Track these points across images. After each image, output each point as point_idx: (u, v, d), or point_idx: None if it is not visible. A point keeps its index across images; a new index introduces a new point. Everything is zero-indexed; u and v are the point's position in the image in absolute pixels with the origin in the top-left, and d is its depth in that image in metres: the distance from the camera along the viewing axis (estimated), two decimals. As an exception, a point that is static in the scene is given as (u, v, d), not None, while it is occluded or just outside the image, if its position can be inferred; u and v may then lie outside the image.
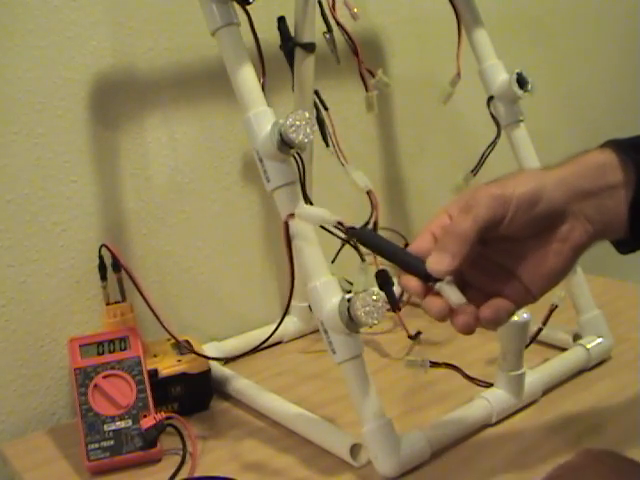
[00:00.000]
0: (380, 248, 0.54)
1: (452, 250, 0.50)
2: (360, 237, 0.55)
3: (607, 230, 0.53)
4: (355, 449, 0.66)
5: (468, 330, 0.51)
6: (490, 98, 0.82)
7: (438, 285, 0.51)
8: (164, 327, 0.74)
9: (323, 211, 0.58)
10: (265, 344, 0.86)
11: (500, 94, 0.81)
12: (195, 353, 0.77)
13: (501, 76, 0.81)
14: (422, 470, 0.65)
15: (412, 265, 0.52)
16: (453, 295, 0.51)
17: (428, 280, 0.52)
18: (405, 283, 0.52)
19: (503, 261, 0.54)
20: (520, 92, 0.80)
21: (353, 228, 0.55)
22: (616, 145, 0.54)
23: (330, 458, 0.68)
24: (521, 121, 0.83)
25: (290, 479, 0.66)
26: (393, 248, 0.54)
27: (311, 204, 0.74)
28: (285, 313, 0.66)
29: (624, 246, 0.56)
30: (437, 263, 0.51)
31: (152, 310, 0.74)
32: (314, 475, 0.66)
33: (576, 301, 0.84)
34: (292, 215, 0.61)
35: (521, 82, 0.80)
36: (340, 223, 0.55)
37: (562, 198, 0.52)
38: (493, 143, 0.82)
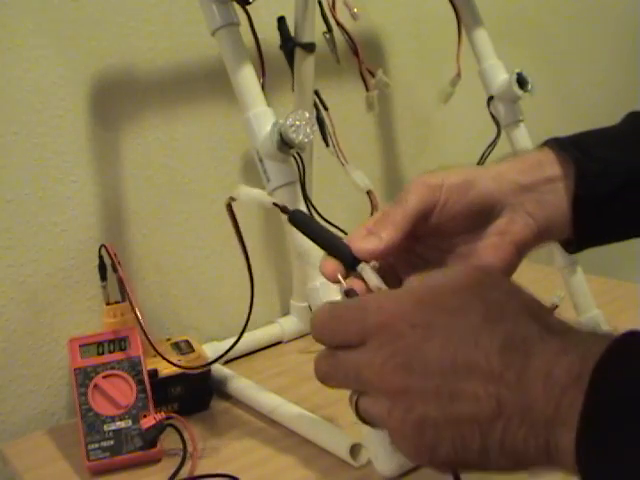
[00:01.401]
0: (310, 230, 0.52)
1: (381, 234, 0.49)
2: (291, 217, 0.53)
3: (551, 227, 0.52)
4: (355, 449, 0.66)
5: None
6: (490, 98, 0.82)
7: (361, 266, 0.49)
8: (146, 336, 0.72)
9: (261, 193, 0.57)
10: (265, 344, 0.85)
11: (500, 94, 0.81)
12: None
13: (501, 76, 0.81)
14: (422, 470, 0.65)
15: (338, 249, 0.50)
16: (374, 278, 0.48)
17: (353, 266, 0.49)
18: (322, 265, 0.49)
19: (441, 258, 0.52)
20: (520, 92, 0.80)
21: (287, 208, 0.54)
22: (555, 143, 0.54)
23: (330, 458, 0.68)
24: (521, 121, 0.83)
25: (290, 479, 0.66)
26: (323, 231, 0.52)
27: (311, 204, 0.74)
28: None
29: (570, 245, 0.55)
30: (364, 243, 0.49)
31: (137, 318, 0.72)
32: (314, 475, 0.66)
33: (576, 301, 0.83)
34: (232, 198, 0.59)
35: (521, 82, 0.80)
36: (275, 204, 0.55)
37: (498, 189, 0.51)
38: (493, 143, 0.82)
